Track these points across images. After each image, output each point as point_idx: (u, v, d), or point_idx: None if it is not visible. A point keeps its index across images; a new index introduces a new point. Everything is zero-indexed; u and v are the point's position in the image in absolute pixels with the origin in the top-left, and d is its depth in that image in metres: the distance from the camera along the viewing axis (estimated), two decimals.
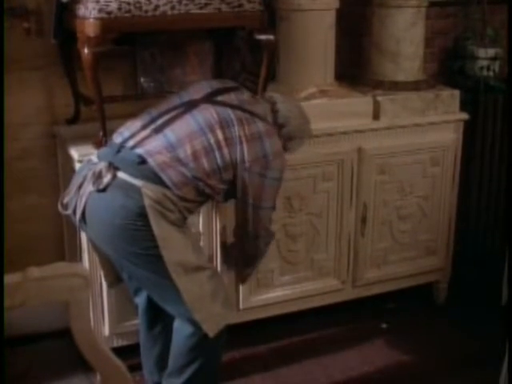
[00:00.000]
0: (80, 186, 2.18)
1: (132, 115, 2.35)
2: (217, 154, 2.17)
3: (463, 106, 3.15)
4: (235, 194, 2.27)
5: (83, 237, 2.55)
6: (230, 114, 2.22)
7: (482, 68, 3.40)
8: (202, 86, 2.34)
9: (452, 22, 3.50)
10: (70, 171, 2.54)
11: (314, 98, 2.86)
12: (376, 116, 2.98)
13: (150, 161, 2.12)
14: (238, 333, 2.65)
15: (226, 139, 2.18)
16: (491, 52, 3.40)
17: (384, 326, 3.17)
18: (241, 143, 2.19)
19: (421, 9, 3.05)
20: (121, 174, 2.12)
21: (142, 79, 2.91)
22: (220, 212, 2.70)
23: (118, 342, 2.73)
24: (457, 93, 3.13)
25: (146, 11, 2.41)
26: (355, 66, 3.29)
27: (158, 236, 2.09)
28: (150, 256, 2.12)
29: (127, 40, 2.69)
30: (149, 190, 2.08)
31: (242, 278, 2.61)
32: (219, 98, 2.26)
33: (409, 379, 2.83)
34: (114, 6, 2.36)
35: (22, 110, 2.78)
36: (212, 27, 2.72)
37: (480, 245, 3.55)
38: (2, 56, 2.56)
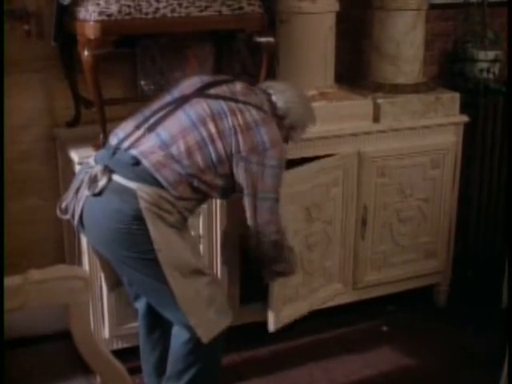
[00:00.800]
0: (77, 190, 2.17)
1: None
2: (210, 148, 2.13)
3: (463, 109, 3.15)
4: (234, 189, 2.23)
5: (83, 239, 2.55)
6: (223, 105, 2.17)
7: (482, 70, 3.40)
8: (193, 80, 2.30)
9: (452, 25, 3.50)
10: (70, 174, 2.54)
11: (314, 100, 2.85)
12: (376, 119, 2.98)
13: (145, 162, 2.10)
14: (237, 335, 2.64)
15: (218, 132, 2.14)
16: (491, 54, 3.40)
17: (384, 328, 3.17)
18: (235, 134, 2.15)
19: (421, 11, 3.05)
20: (116, 177, 2.11)
21: (143, 82, 2.91)
22: (221, 214, 2.70)
23: (118, 345, 2.73)
24: (457, 95, 3.13)
25: (147, 14, 2.41)
26: (355, 68, 3.29)
27: (155, 239, 2.07)
28: (147, 260, 2.10)
29: (127, 42, 2.70)
30: (144, 193, 2.06)
31: (266, 276, 2.45)
32: (211, 91, 2.22)
33: (410, 382, 2.83)
34: (114, 8, 2.37)
35: (23, 113, 2.79)
36: (212, 30, 2.73)
37: (480, 247, 3.55)
38: (3, 58, 2.56)
